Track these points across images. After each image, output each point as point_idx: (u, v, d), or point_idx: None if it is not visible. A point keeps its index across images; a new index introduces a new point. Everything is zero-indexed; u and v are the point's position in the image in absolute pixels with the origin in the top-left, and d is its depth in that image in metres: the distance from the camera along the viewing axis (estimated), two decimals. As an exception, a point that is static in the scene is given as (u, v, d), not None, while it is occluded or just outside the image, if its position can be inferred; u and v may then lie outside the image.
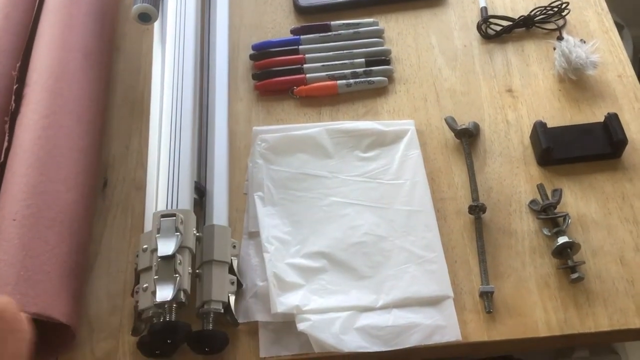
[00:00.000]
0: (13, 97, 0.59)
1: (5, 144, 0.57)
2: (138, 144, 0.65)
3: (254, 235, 0.58)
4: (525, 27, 0.68)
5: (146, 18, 0.63)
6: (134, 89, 0.68)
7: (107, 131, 0.65)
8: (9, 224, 0.51)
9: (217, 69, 0.66)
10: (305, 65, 0.67)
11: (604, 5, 0.69)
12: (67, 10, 0.65)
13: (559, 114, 0.62)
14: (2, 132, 0.58)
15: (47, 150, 0.55)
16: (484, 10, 0.70)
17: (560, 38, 0.65)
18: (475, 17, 0.70)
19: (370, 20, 0.70)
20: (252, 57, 0.70)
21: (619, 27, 0.74)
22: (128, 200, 0.61)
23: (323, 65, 0.67)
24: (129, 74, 0.70)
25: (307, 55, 0.68)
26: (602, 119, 0.60)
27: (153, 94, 0.63)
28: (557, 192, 0.56)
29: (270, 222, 0.57)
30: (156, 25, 0.66)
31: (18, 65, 0.61)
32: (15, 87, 0.60)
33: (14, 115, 0.59)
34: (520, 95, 0.64)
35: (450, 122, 0.62)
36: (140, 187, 0.61)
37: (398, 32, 0.70)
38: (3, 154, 0.56)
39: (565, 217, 0.55)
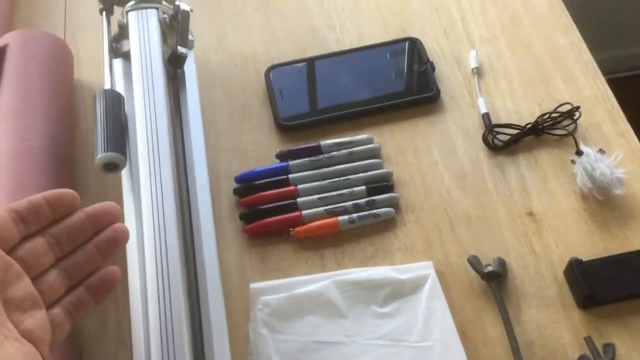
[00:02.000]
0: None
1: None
2: (116, 317, 0.55)
3: None
4: (533, 134, 0.62)
5: (113, 167, 0.54)
6: (102, 244, 0.59)
7: (76, 303, 0.55)
8: None
9: (200, 213, 0.57)
10: (299, 200, 0.59)
11: (614, 102, 0.64)
12: (16, 165, 0.55)
13: (589, 241, 0.56)
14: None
15: None
16: (486, 117, 0.63)
17: (579, 152, 0.59)
18: (477, 124, 0.64)
19: (364, 137, 0.63)
20: (236, 191, 0.61)
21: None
22: (112, 394, 0.51)
23: (319, 198, 0.59)
24: (94, 225, 0.60)
25: (299, 187, 0.60)
26: (637, 244, 0.55)
27: (129, 254, 0.53)
28: (610, 348, 0.50)
29: (286, 411, 0.49)
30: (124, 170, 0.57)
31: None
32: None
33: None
34: (543, 218, 0.58)
35: (475, 263, 0.55)
36: (124, 373, 0.52)
37: (395, 147, 0.63)
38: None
39: (623, 377, 0.48)
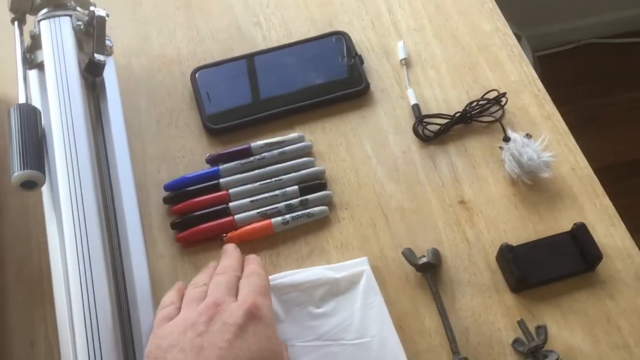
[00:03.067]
0: None
1: None
2: (45, 337, 0.53)
3: None
4: (462, 123, 0.62)
5: (31, 185, 0.52)
6: (28, 263, 0.57)
7: (3, 324, 0.53)
8: None
9: (127, 224, 0.55)
10: (231, 204, 0.58)
11: (540, 85, 0.65)
12: None
13: (520, 225, 0.57)
14: None
15: None
16: (415, 108, 0.63)
17: (506, 139, 0.59)
18: (408, 117, 0.63)
19: (295, 135, 0.62)
20: (166, 200, 0.59)
21: (518, 38, 0.70)
22: (45, 420, 0.50)
23: (252, 201, 0.58)
24: (18, 244, 0.58)
25: (230, 191, 0.59)
26: (565, 225, 0.56)
27: (54, 272, 0.51)
28: (542, 330, 0.50)
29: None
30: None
31: None
32: None
33: None
34: (475, 205, 0.58)
35: (409, 256, 0.55)
36: (57, 396, 0.50)
37: (327, 144, 0.62)
38: None
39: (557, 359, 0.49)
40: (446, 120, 0.62)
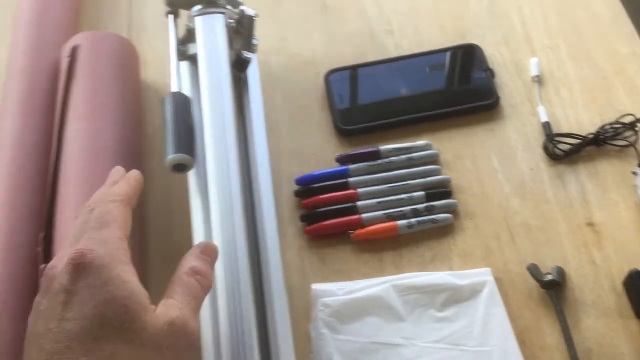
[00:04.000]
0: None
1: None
2: (181, 311, 0.57)
3: None
4: (594, 144, 0.62)
5: (182, 168, 0.56)
6: (169, 240, 0.61)
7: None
8: None
9: (264, 214, 0.57)
10: (359, 203, 0.60)
11: (677, 113, 0.64)
12: (90, 166, 0.57)
13: (650, 252, 0.56)
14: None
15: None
16: (546, 126, 0.63)
17: (642, 164, 0.59)
18: (537, 133, 0.64)
19: (423, 143, 0.64)
20: (297, 193, 0.63)
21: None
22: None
23: (378, 202, 0.60)
24: (161, 221, 0.62)
25: (359, 190, 0.61)
26: (699, 257, 0.55)
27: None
28: (671, 360, 0.50)
29: (346, 409, 0.51)
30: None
31: (41, 236, 0.54)
32: (41, 267, 0.52)
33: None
34: (603, 229, 0.58)
35: (534, 272, 0.55)
36: None
37: (454, 154, 0.64)
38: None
39: (684, 391, 0.49)
40: (578, 141, 0.62)
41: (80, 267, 0.35)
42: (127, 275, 0.37)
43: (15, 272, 0.54)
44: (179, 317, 0.38)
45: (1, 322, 0.51)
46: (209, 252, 0.45)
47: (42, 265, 0.52)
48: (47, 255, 0.53)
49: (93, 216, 0.39)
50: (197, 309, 0.41)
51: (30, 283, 0.54)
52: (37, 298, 0.37)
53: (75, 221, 0.40)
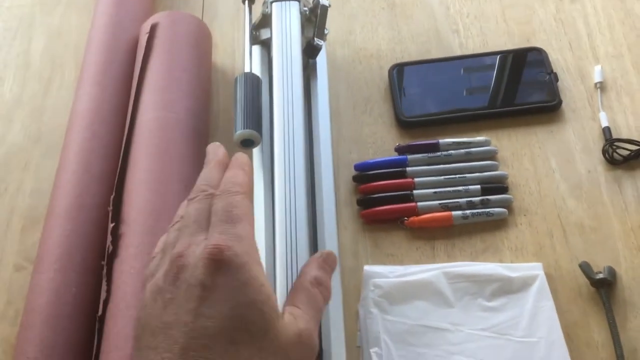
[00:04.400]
0: (110, 238, 0.54)
1: (104, 294, 0.52)
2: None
3: (373, 399, 0.52)
4: (655, 152, 0.62)
5: (249, 143, 0.59)
6: (228, 214, 0.64)
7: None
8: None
9: (324, 196, 0.59)
10: (415, 192, 0.62)
11: None
12: (162, 133, 0.60)
13: None
14: (99, 278, 0.54)
15: (152, 307, 0.50)
16: (607, 131, 0.64)
17: (702, 173, 0.59)
18: (597, 138, 0.64)
19: (482, 139, 0.65)
20: (355, 178, 0.64)
21: None
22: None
23: (435, 192, 0.62)
24: (222, 195, 0.65)
25: (416, 180, 0.63)
26: None
27: (257, 224, 0.57)
28: None
29: (391, 386, 0.52)
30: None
31: (112, 197, 0.57)
32: (111, 225, 0.55)
33: (110, 258, 0.54)
34: (658, 234, 0.58)
35: (586, 269, 0.56)
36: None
37: (512, 152, 0.65)
38: (101, 306, 0.52)
39: None
40: (637, 147, 0.62)
41: (219, 263, 0.34)
42: (263, 277, 0.36)
43: (83, 230, 0.57)
44: (307, 329, 0.37)
45: (68, 275, 0.54)
46: (331, 263, 0.44)
47: (112, 224, 0.55)
48: (116, 215, 0.56)
49: (220, 207, 0.37)
50: (319, 322, 0.40)
51: (96, 241, 0.57)
52: (160, 283, 0.35)
53: (189, 204, 0.39)
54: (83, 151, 0.61)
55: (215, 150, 0.44)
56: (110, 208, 0.56)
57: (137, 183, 0.57)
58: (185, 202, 0.41)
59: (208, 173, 0.41)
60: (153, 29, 0.68)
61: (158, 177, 0.57)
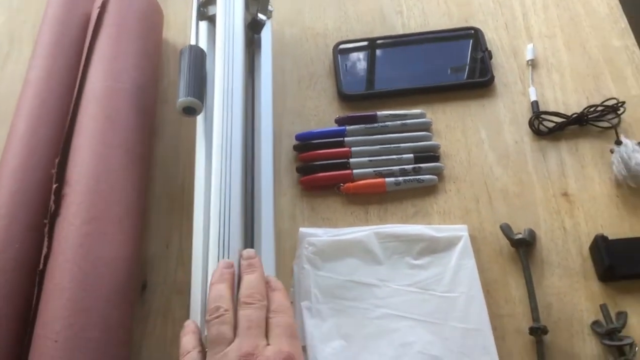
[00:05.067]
0: (52, 197, 0.57)
1: (45, 249, 0.55)
2: (178, 242, 0.62)
3: (302, 350, 0.55)
4: (578, 124, 0.66)
5: (191, 111, 0.61)
6: (173, 181, 0.66)
7: (147, 227, 0.63)
8: (51, 346, 0.49)
9: (262, 162, 0.62)
10: (351, 160, 0.65)
11: (660, 102, 0.67)
12: (108, 101, 0.62)
13: (618, 223, 0.60)
14: (41, 235, 0.56)
15: (90, 261, 0.53)
16: (535, 104, 0.67)
17: (618, 142, 0.62)
18: (526, 111, 0.68)
19: (418, 111, 0.68)
20: (295, 147, 0.67)
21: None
22: (169, 305, 0.58)
23: (370, 161, 0.65)
24: (167, 164, 0.68)
25: (353, 149, 0.66)
26: (664, 231, 0.58)
27: (196, 188, 0.60)
28: (622, 316, 0.53)
29: (318, 337, 0.55)
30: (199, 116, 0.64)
31: (57, 161, 0.59)
32: (54, 186, 0.57)
33: (53, 216, 0.56)
34: (577, 200, 0.62)
35: (506, 230, 0.59)
36: (182, 290, 0.59)
37: (446, 124, 0.68)
38: (42, 261, 0.54)
39: (632, 345, 0.52)
40: (562, 120, 0.66)
41: None
42: None
43: (28, 190, 0.59)
44: None
45: (12, 231, 0.56)
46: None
47: (55, 185, 0.57)
48: (60, 177, 0.58)
49: (283, 323, 0.44)
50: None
51: (40, 201, 0.59)
52: None
53: (247, 308, 0.45)
54: (32, 117, 0.63)
55: (255, 263, 0.50)
56: (55, 170, 0.58)
57: (81, 147, 0.60)
58: (221, 287, 0.46)
59: (255, 282, 0.47)
60: (104, 4, 0.70)
61: (101, 141, 0.60)
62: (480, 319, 0.55)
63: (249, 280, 0.47)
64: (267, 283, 0.48)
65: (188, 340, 0.46)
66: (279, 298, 0.46)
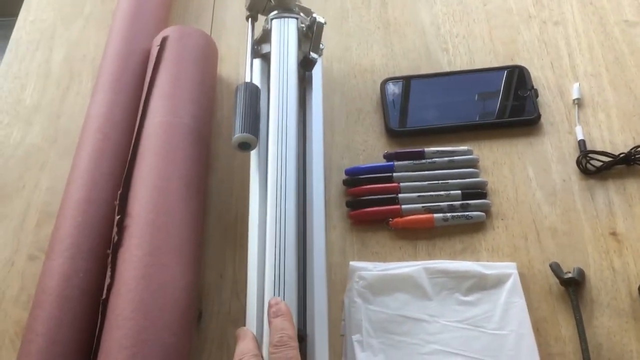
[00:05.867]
0: (115, 229, 0.59)
1: (108, 280, 0.57)
2: (232, 272, 0.64)
3: (354, 383, 0.56)
4: (625, 164, 0.67)
5: (246, 147, 0.63)
6: (227, 212, 0.68)
7: (203, 258, 0.65)
8: (115, 375, 0.51)
9: (313, 196, 0.64)
10: (400, 195, 0.67)
11: None
12: (167, 136, 0.65)
13: (668, 264, 0.60)
14: (104, 265, 0.58)
15: (151, 291, 0.55)
16: (582, 143, 0.68)
17: (667, 182, 0.63)
18: (572, 150, 0.69)
19: (465, 148, 0.70)
20: (345, 182, 0.69)
21: None
22: (224, 336, 0.60)
23: (418, 196, 0.66)
24: (221, 195, 0.70)
25: (401, 184, 0.67)
26: None
27: (251, 220, 0.61)
28: (675, 359, 0.54)
29: (370, 371, 0.56)
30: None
31: (119, 193, 0.62)
32: (117, 217, 0.60)
33: (115, 247, 0.59)
34: (625, 239, 0.62)
35: (556, 269, 0.60)
36: (235, 320, 0.61)
37: (493, 161, 0.69)
38: (105, 290, 0.56)
39: (685, 387, 0.52)
40: (610, 159, 0.67)
41: None
42: None
43: (91, 221, 0.62)
44: None
45: (76, 261, 0.59)
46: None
47: (118, 217, 0.60)
48: (122, 209, 0.61)
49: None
50: None
51: (103, 232, 0.61)
52: None
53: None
54: (95, 151, 0.66)
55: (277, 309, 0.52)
56: (117, 202, 0.61)
57: (142, 180, 0.62)
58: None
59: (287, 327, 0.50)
60: (163, 41, 0.73)
61: (161, 175, 0.62)
62: (531, 357, 0.55)
63: (279, 324, 0.50)
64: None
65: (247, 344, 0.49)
66: (279, 327, 0.49)
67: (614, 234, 0.63)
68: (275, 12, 0.73)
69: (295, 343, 0.49)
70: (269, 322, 0.51)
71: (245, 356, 0.48)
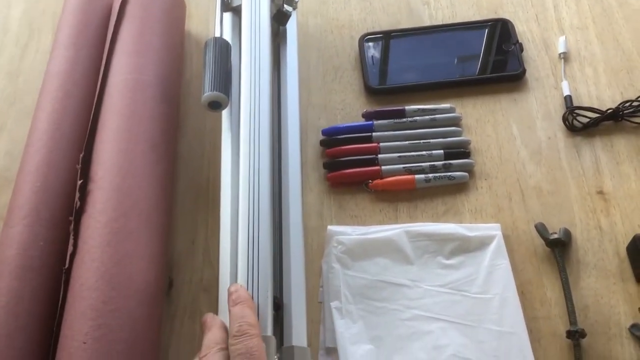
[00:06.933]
0: (77, 194, 0.56)
1: (71, 248, 0.53)
2: (204, 238, 0.61)
3: (332, 351, 0.54)
4: (613, 120, 0.64)
5: (216, 106, 0.60)
6: (198, 175, 0.65)
7: (173, 223, 0.62)
8: (79, 347, 0.48)
9: (289, 158, 0.61)
10: (380, 156, 0.64)
11: (698, 97, 0.65)
12: (132, 95, 0.61)
13: (656, 223, 0.58)
14: (66, 233, 0.55)
15: (117, 259, 0.51)
16: (568, 99, 0.66)
17: (656, 139, 0.61)
18: (558, 106, 0.66)
19: (447, 106, 0.67)
20: (322, 143, 0.66)
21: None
22: (196, 304, 0.57)
23: (399, 157, 0.63)
24: (191, 158, 0.66)
25: (381, 144, 0.64)
26: None
27: (223, 184, 0.58)
28: (664, 320, 0.52)
29: (348, 338, 0.54)
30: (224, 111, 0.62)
31: (81, 156, 0.58)
32: (79, 182, 0.56)
33: (78, 214, 0.55)
34: (613, 198, 0.60)
35: (541, 230, 0.58)
36: (208, 288, 0.58)
37: (476, 118, 0.66)
38: (68, 259, 0.53)
39: (674, 349, 0.51)
40: (597, 115, 0.64)
41: None
42: None
43: (52, 186, 0.58)
44: None
45: (36, 229, 0.55)
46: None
47: (80, 181, 0.56)
48: (85, 173, 0.57)
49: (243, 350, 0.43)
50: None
51: (65, 197, 0.58)
52: None
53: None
54: (55, 111, 0.62)
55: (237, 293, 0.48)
56: (79, 166, 0.57)
57: (106, 142, 0.58)
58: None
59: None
60: (127, -4, 0.69)
61: (126, 136, 0.58)
62: (516, 321, 0.53)
63: (237, 311, 0.46)
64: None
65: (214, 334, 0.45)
66: (238, 315, 0.45)
67: (601, 192, 0.60)
68: (246, -38, 0.68)
69: (256, 331, 0.44)
70: (229, 311, 0.47)
71: (211, 351, 0.43)
